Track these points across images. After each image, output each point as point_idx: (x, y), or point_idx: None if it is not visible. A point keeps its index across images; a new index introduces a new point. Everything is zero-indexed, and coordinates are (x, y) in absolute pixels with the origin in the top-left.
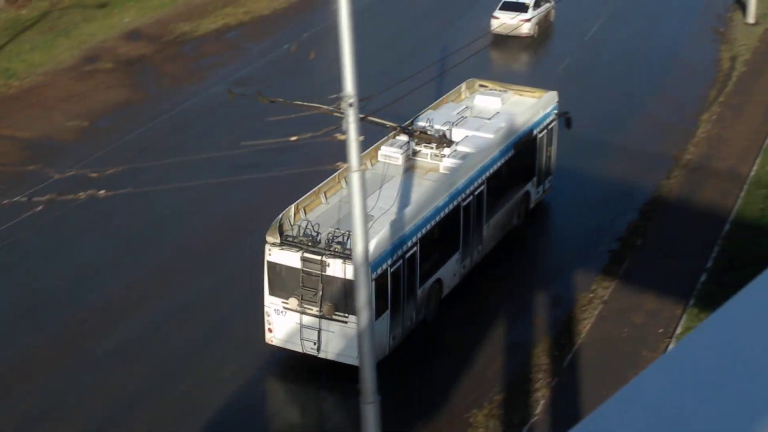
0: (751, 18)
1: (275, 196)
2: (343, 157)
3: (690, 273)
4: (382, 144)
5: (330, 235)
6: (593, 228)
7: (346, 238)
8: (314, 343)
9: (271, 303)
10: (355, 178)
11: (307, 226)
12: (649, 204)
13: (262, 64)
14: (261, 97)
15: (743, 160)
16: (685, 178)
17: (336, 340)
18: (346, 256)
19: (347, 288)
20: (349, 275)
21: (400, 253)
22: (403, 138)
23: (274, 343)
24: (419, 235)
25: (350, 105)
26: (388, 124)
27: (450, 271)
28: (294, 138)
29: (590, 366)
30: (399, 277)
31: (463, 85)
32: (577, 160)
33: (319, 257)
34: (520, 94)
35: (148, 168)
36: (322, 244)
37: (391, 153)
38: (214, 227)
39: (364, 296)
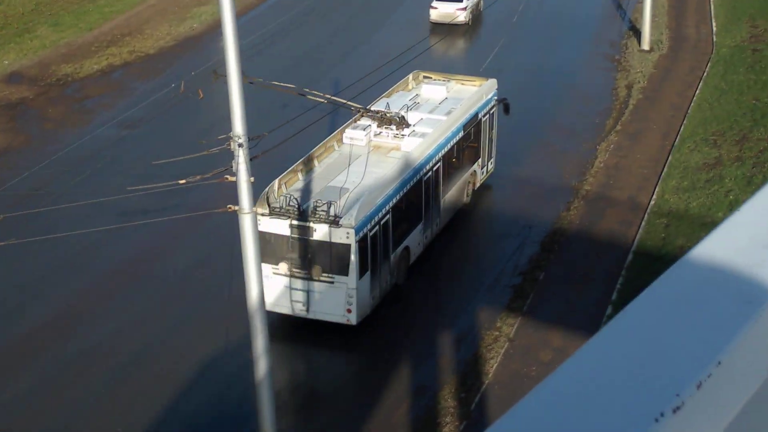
0: (645, 45)
1: (170, 239)
2: (235, 199)
3: (596, 305)
4: (346, 127)
5: (313, 204)
6: (495, 263)
7: (328, 206)
8: (303, 304)
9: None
10: (246, 222)
11: (290, 198)
12: (550, 236)
13: (150, 103)
14: (245, 77)
15: (642, 188)
16: (586, 208)
17: (323, 300)
18: (331, 221)
19: (333, 251)
20: (335, 239)
21: (376, 219)
22: (365, 122)
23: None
24: (390, 204)
25: (239, 145)
26: (354, 105)
27: (416, 240)
28: (182, 181)
29: (499, 407)
30: (376, 242)
31: (410, 76)
32: (475, 194)
33: (306, 224)
34: (462, 83)
35: (33, 215)
36: (307, 213)
37: (355, 135)
38: (109, 273)
39: (261, 343)
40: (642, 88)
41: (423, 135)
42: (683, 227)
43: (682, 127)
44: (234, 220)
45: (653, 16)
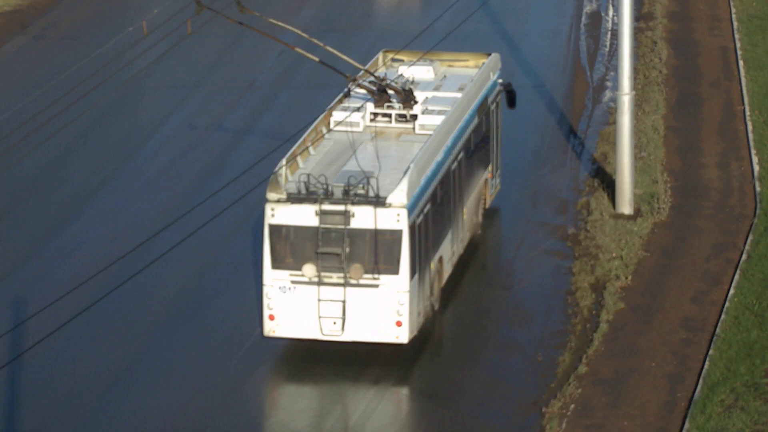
0: (624, 204)
1: None
2: None
3: None
4: (331, 110)
5: (347, 182)
6: None
7: (368, 182)
8: (336, 321)
9: (274, 280)
10: None
11: (308, 178)
12: None
13: None
14: (240, 6)
15: None
16: None
17: (364, 312)
18: (375, 202)
19: (378, 241)
20: (381, 225)
21: (422, 203)
22: (354, 103)
23: (276, 335)
24: (430, 190)
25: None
26: (347, 76)
27: (448, 251)
28: None
29: None
30: (422, 234)
31: (379, 57)
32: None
33: (341, 207)
34: (450, 65)
35: None
36: (338, 194)
37: (349, 119)
38: None
39: None
40: (622, 291)
41: (441, 112)
42: None
43: (707, 364)
44: None
45: (638, 146)
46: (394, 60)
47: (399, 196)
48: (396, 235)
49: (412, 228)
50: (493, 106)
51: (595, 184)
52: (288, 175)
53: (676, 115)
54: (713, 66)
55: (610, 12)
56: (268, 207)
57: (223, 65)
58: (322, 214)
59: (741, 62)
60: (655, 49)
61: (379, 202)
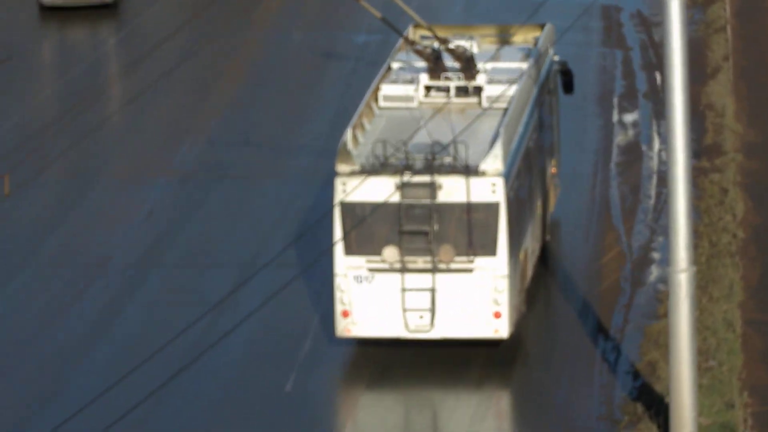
0: None
1: None
2: None
3: None
4: (380, 83)
5: (428, 149)
6: None
7: (458, 148)
8: (424, 315)
9: (349, 269)
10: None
11: (384, 146)
12: None
13: None
14: None
15: None
16: None
17: (456, 303)
18: (466, 170)
19: (471, 217)
20: (474, 197)
21: (512, 178)
22: (405, 74)
23: (352, 334)
24: (515, 169)
25: None
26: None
27: (530, 244)
28: None
29: None
30: (514, 213)
31: (409, 32)
32: None
33: (427, 180)
34: (493, 40)
35: None
36: (421, 164)
37: (401, 92)
38: None
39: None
40: None
41: (511, 82)
42: None
43: None
44: None
45: (703, 351)
46: (423, 38)
47: (494, 162)
48: (492, 208)
49: (509, 201)
50: (552, 86)
51: (639, 411)
52: (362, 130)
53: (759, 303)
54: None
55: (656, 144)
56: (338, 181)
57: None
58: (404, 187)
59: None
60: (726, 201)
61: (470, 170)
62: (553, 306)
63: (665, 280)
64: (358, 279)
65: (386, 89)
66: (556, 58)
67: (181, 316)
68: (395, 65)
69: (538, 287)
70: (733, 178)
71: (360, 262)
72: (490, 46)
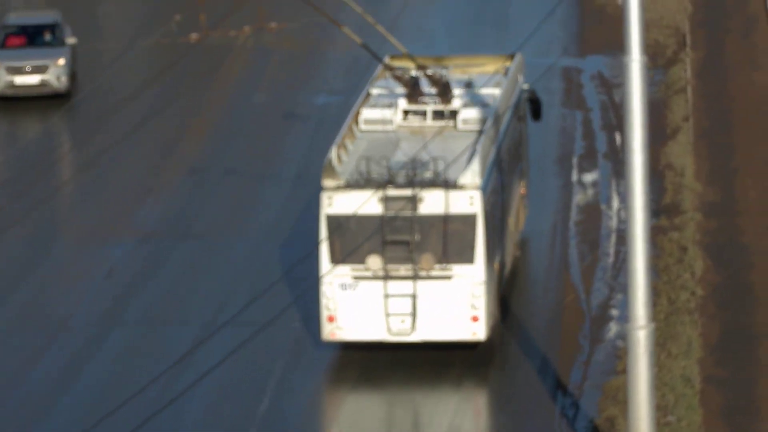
0: None
1: None
2: None
3: None
4: (360, 108)
5: (412, 165)
6: None
7: (437, 164)
8: (405, 319)
9: (334, 276)
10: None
11: (368, 163)
12: None
13: None
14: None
15: None
16: None
17: (436, 307)
18: (446, 184)
19: (450, 228)
20: (453, 209)
21: (489, 192)
22: (383, 99)
23: (337, 338)
24: (491, 184)
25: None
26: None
27: (503, 257)
28: None
29: None
30: (490, 225)
31: (387, 59)
32: None
33: (407, 193)
34: (464, 70)
35: None
36: (402, 179)
37: (380, 116)
38: None
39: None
40: None
41: (485, 106)
42: None
43: None
44: None
45: (662, 407)
46: (397, 69)
47: (471, 177)
48: (470, 220)
49: (486, 213)
50: (522, 112)
51: None
52: (345, 150)
53: (718, 360)
54: None
55: (615, 203)
56: (324, 195)
57: (16, 297)
58: (386, 200)
59: None
60: (685, 259)
61: (450, 184)
62: (512, 362)
63: (624, 336)
64: (343, 286)
65: (366, 113)
66: (526, 86)
67: (142, 374)
68: (374, 91)
69: (498, 344)
70: (692, 236)
71: (345, 270)
72: (463, 75)
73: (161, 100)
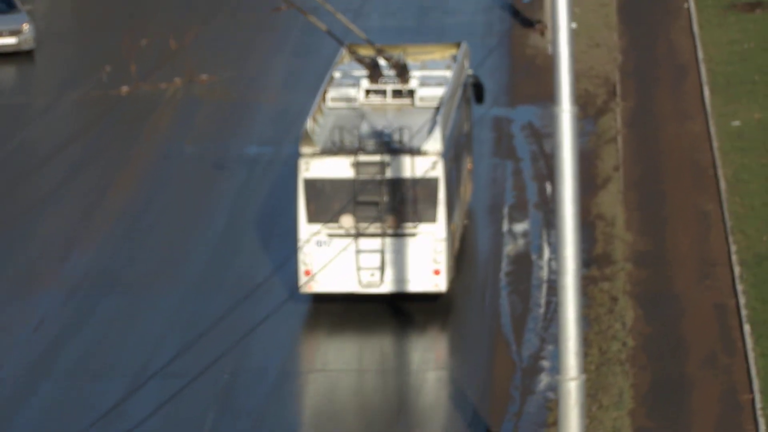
0: None
1: None
2: None
3: None
4: (326, 89)
5: (379, 133)
6: None
7: (403, 133)
8: (374, 273)
9: (311, 234)
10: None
11: (341, 131)
12: None
13: None
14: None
15: None
16: None
17: (403, 262)
18: (410, 151)
19: (415, 190)
20: (418, 173)
21: (448, 158)
22: (346, 80)
23: (313, 291)
24: (450, 152)
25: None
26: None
27: (458, 220)
28: None
29: None
30: (450, 188)
31: (344, 52)
32: None
33: (377, 159)
34: (416, 57)
35: None
36: (372, 146)
37: (345, 94)
38: None
39: None
40: None
41: (439, 84)
42: None
43: None
44: None
45: None
46: (353, 54)
47: (434, 144)
48: (433, 183)
49: (447, 177)
50: (468, 95)
51: None
52: (316, 120)
53: (649, 411)
54: (705, 334)
55: (545, 253)
56: (302, 161)
57: None
58: (358, 165)
59: (747, 327)
60: (616, 309)
61: (414, 150)
62: (442, 415)
63: (555, 388)
64: (320, 243)
65: (332, 92)
66: (470, 72)
67: (71, 427)
68: (337, 74)
69: (429, 398)
70: (623, 286)
71: (320, 228)
72: (415, 60)
73: (90, 152)
